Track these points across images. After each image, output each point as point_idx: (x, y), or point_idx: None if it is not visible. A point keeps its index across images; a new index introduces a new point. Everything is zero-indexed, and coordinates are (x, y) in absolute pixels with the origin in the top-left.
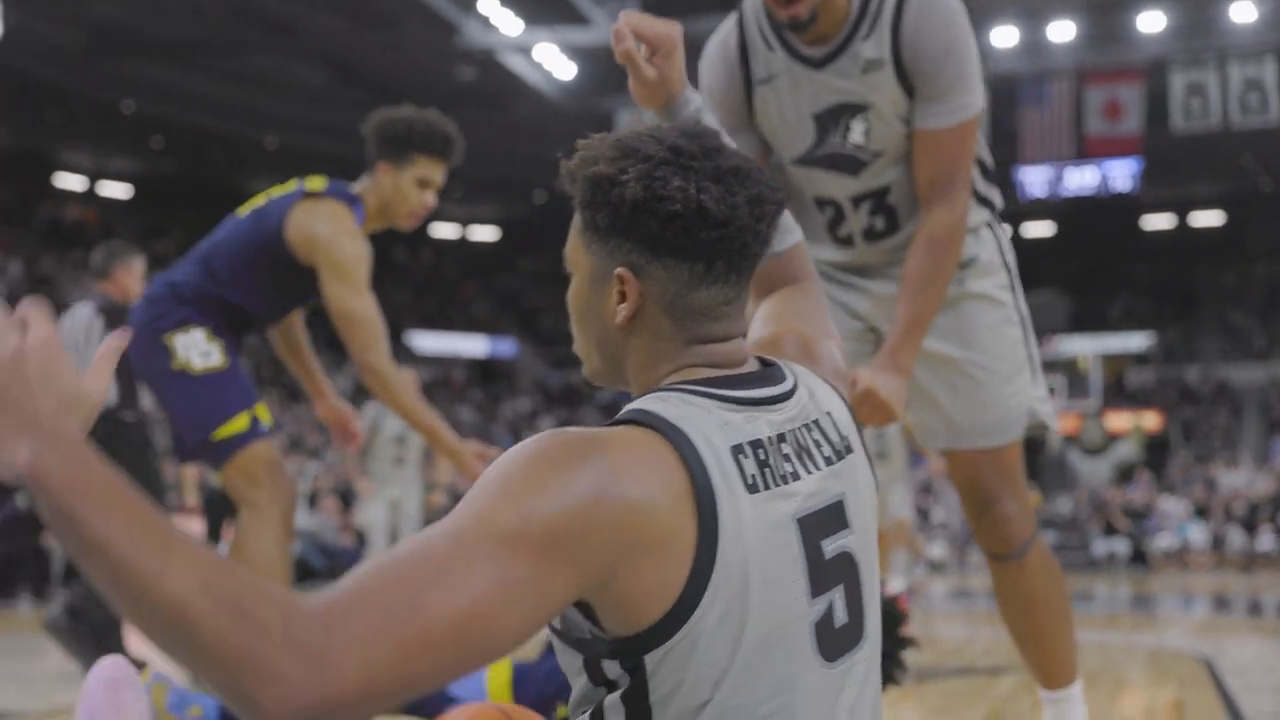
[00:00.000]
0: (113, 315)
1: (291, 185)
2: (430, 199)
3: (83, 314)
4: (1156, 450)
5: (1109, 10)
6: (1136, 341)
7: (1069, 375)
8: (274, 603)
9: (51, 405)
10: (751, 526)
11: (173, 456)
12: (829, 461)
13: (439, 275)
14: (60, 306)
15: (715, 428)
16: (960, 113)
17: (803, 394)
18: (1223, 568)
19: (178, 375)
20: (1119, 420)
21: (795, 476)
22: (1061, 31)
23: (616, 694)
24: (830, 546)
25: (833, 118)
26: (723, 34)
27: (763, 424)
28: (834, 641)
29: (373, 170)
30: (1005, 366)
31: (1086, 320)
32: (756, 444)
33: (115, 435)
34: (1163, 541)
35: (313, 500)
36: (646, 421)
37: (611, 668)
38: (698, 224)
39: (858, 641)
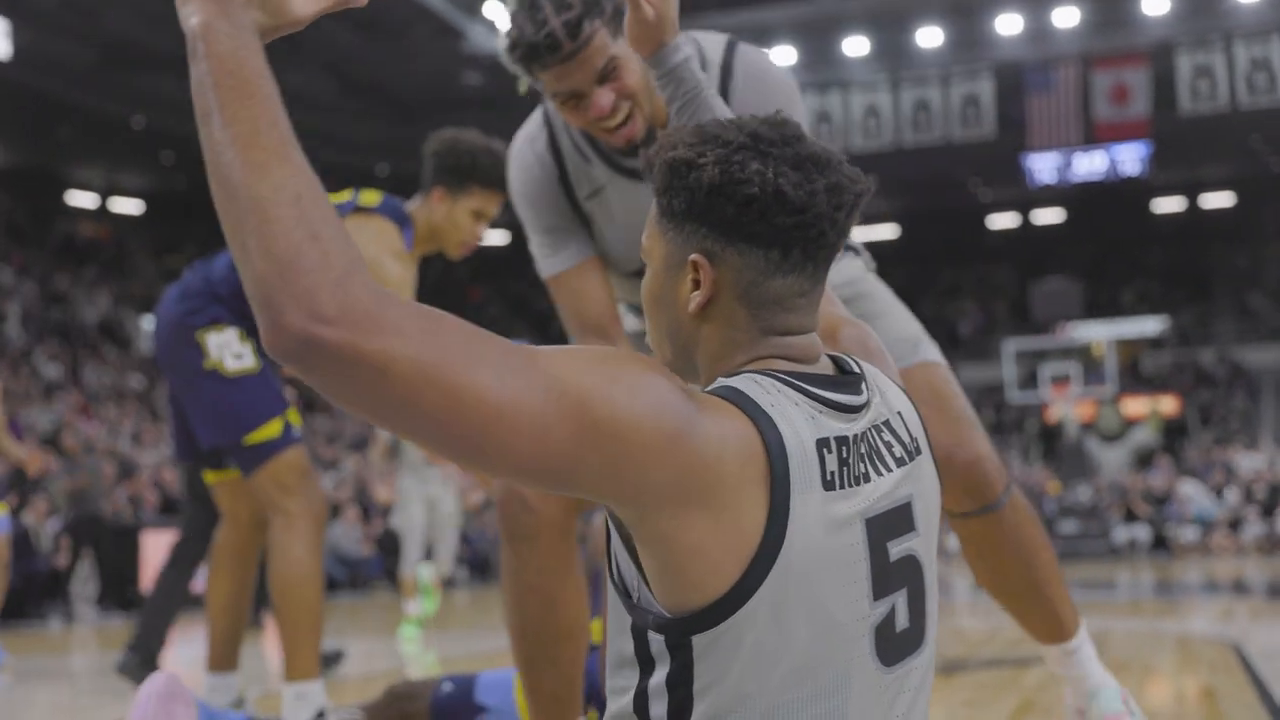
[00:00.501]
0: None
1: (345, 195)
2: (482, 231)
3: None
4: (1174, 434)
5: None
6: (1151, 326)
7: (1084, 361)
8: (348, 252)
9: None
10: (821, 523)
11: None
12: (900, 463)
13: (450, 279)
14: (76, 325)
15: (804, 419)
16: None
17: (876, 396)
18: (1245, 551)
19: (209, 375)
20: (1136, 405)
21: (868, 478)
22: (1066, 17)
23: (660, 678)
24: (896, 549)
25: None
26: (532, 139)
27: (844, 425)
28: (893, 646)
29: (427, 193)
30: (888, 294)
31: (1100, 306)
32: (840, 440)
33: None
34: (1186, 531)
35: (334, 511)
36: (736, 400)
37: (657, 643)
38: (774, 209)
39: (917, 647)
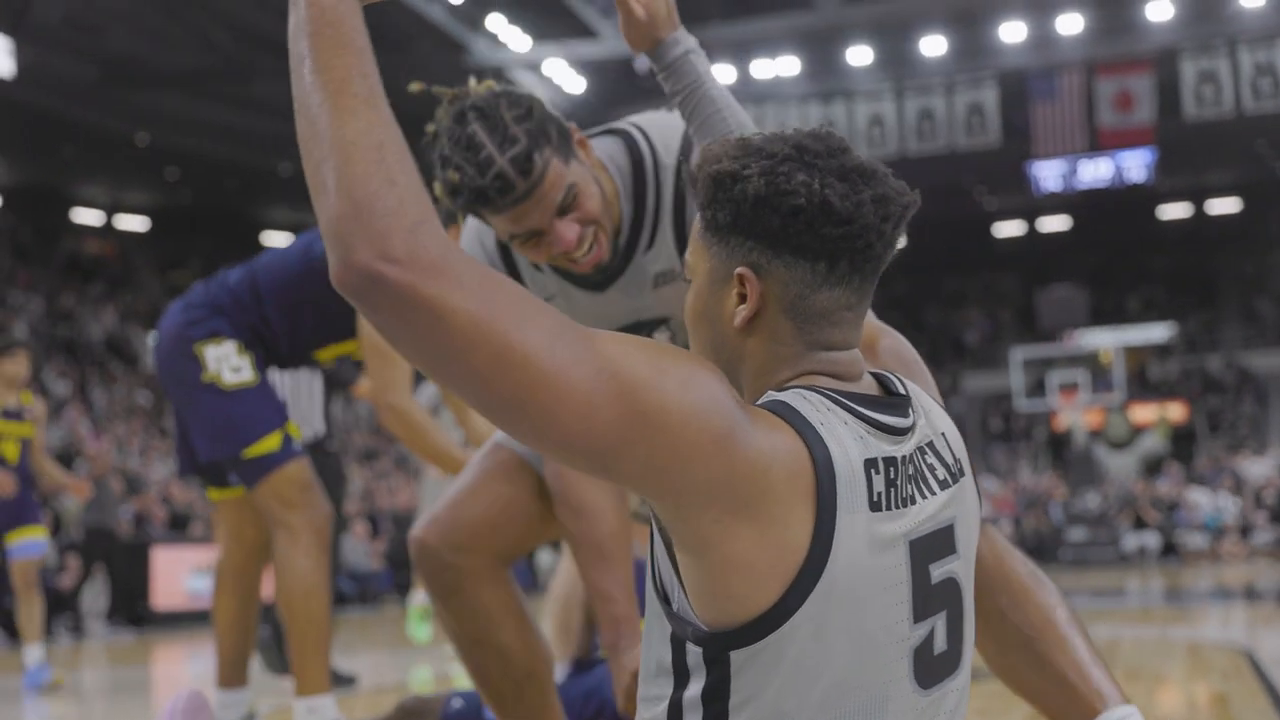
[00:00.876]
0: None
1: None
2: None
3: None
4: (1183, 441)
5: (1117, 1)
6: (1158, 333)
7: (1091, 369)
8: (422, 203)
9: None
10: (866, 543)
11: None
12: (944, 485)
13: None
14: (81, 342)
15: (852, 439)
16: None
17: (921, 417)
18: (1255, 557)
19: (207, 388)
20: (1143, 413)
21: (913, 500)
22: (1070, 24)
23: (696, 690)
24: (937, 571)
25: (630, 333)
26: (482, 233)
27: (891, 446)
28: (931, 668)
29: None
30: None
31: (1106, 313)
32: (888, 461)
33: (317, 465)
34: (1195, 538)
35: (342, 525)
36: (785, 415)
37: (694, 655)
38: (821, 220)
39: (954, 670)
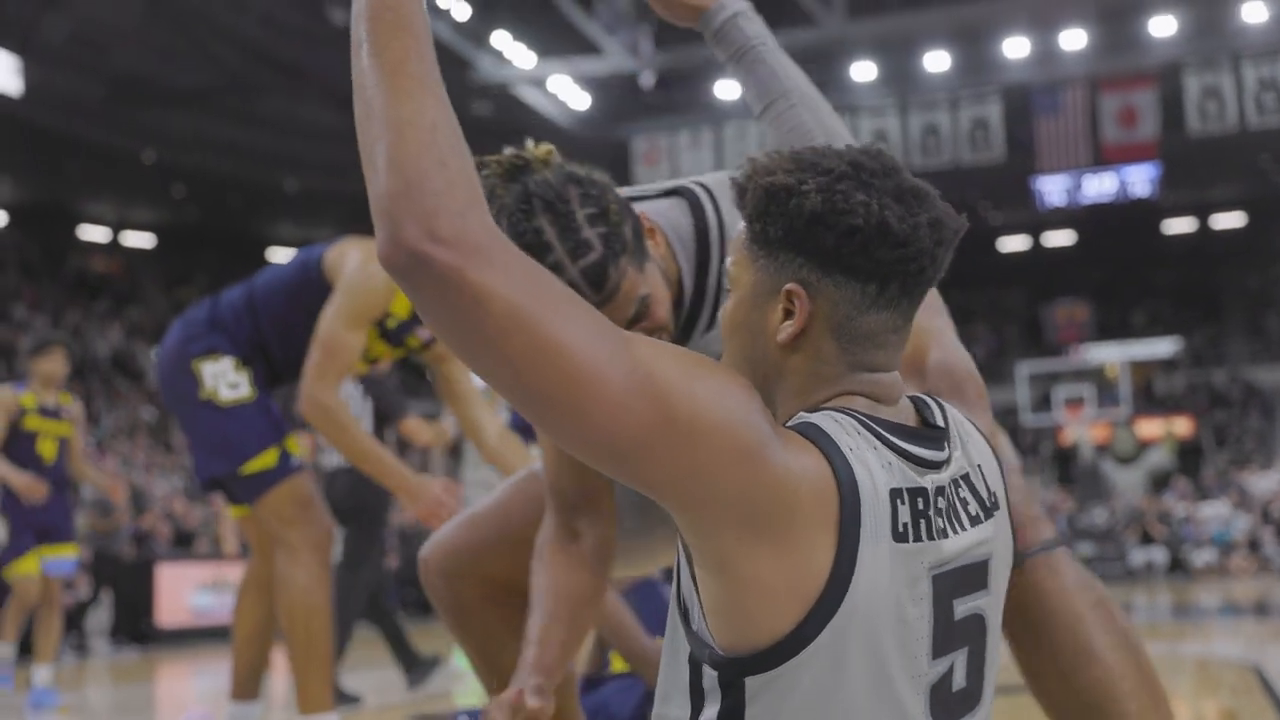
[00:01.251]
0: (370, 385)
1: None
2: None
3: (346, 388)
4: (1189, 456)
5: (1120, 16)
6: (1163, 347)
7: (1097, 383)
8: (472, 187)
9: None
10: (887, 576)
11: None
12: (975, 521)
13: None
14: (87, 359)
15: (880, 466)
16: None
17: (957, 449)
18: (1264, 573)
19: (204, 404)
20: (1150, 427)
21: (943, 534)
22: (1073, 40)
23: (711, 715)
24: (962, 607)
25: None
26: None
27: (922, 478)
28: (949, 705)
29: None
30: None
31: (1112, 328)
32: (916, 492)
33: (361, 486)
34: (1203, 553)
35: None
36: (814, 437)
37: (710, 679)
38: (877, 241)
39: (974, 706)
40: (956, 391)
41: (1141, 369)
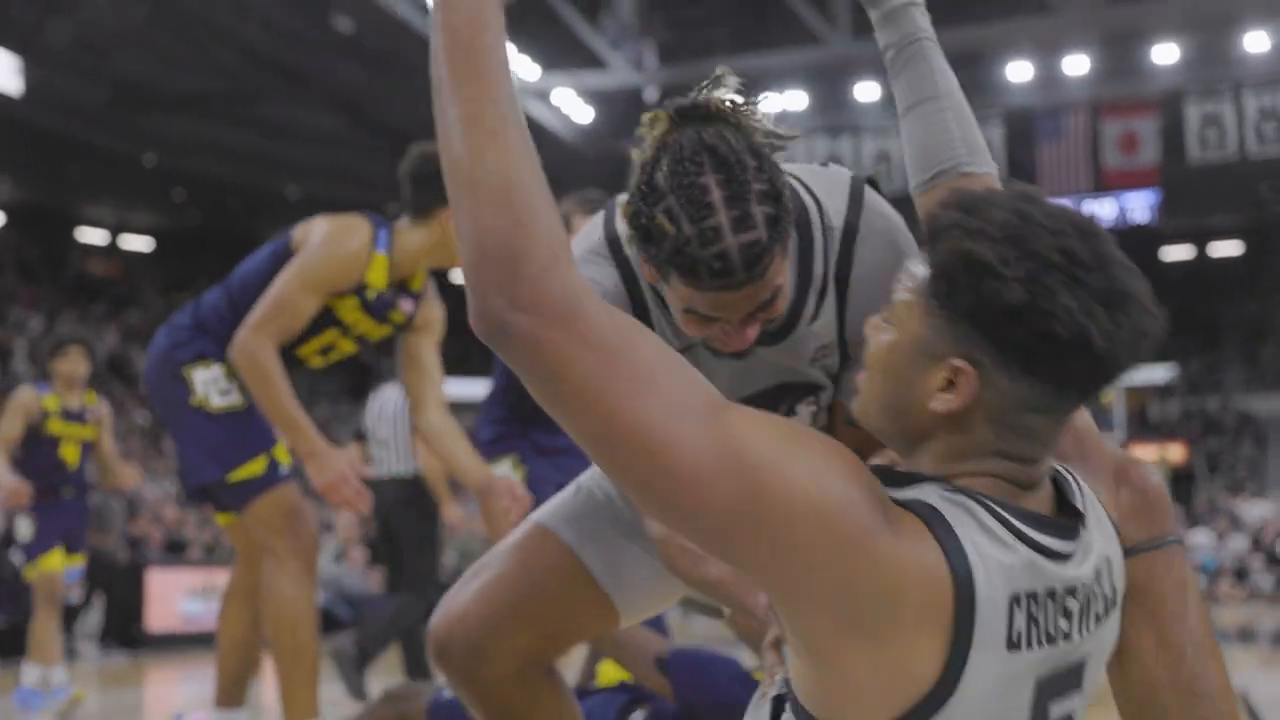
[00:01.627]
0: None
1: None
2: None
3: (392, 394)
4: (1182, 483)
5: (1123, 43)
6: (1159, 374)
7: (1092, 408)
8: (554, 242)
9: None
10: (995, 682)
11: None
12: (1097, 620)
13: (459, 320)
14: None
15: (1002, 564)
16: None
17: (1092, 540)
18: (1253, 600)
19: (195, 411)
20: (1143, 453)
21: (1054, 640)
22: (1076, 65)
23: None
24: (1057, 709)
25: (772, 398)
26: (598, 277)
27: (1049, 575)
28: None
29: (426, 213)
30: None
31: None
32: (1033, 596)
33: (415, 498)
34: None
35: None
36: (935, 526)
37: None
38: (1072, 353)
39: None
40: (1077, 445)
41: (1136, 394)
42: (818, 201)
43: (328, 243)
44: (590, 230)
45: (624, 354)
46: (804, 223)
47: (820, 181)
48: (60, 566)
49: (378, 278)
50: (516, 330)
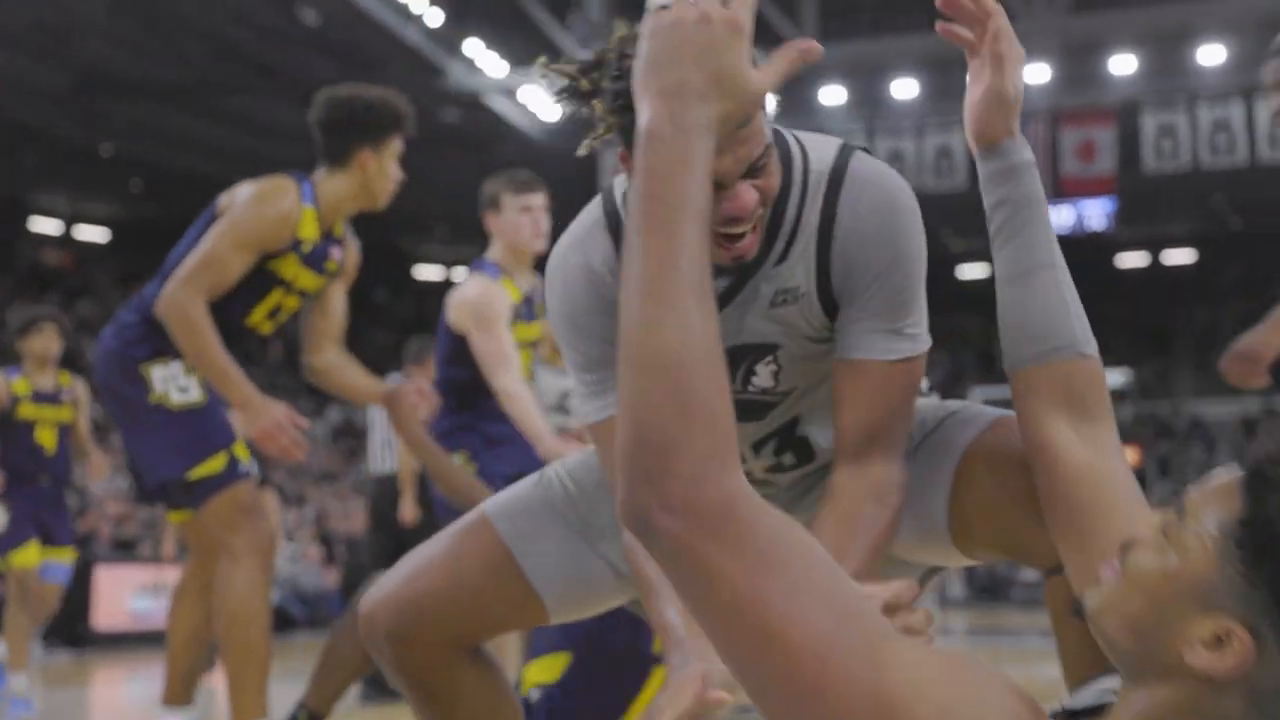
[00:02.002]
0: None
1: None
2: (399, 172)
3: None
4: None
5: (1082, 53)
6: (1113, 379)
7: None
8: (716, 434)
9: (701, 81)
10: None
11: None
12: None
13: (423, 318)
14: None
15: None
16: (912, 341)
17: None
18: None
19: (154, 409)
20: None
21: None
22: (1036, 74)
23: None
24: None
25: (731, 361)
26: (586, 249)
27: None
28: None
29: (346, 159)
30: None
31: None
32: None
33: (417, 495)
34: None
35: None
36: None
37: None
38: None
39: None
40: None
41: None
42: (804, 149)
43: (258, 201)
44: (590, 208)
45: (777, 568)
46: (787, 164)
47: (809, 135)
48: (36, 560)
49: (309, 230)
50: (665, 533)
